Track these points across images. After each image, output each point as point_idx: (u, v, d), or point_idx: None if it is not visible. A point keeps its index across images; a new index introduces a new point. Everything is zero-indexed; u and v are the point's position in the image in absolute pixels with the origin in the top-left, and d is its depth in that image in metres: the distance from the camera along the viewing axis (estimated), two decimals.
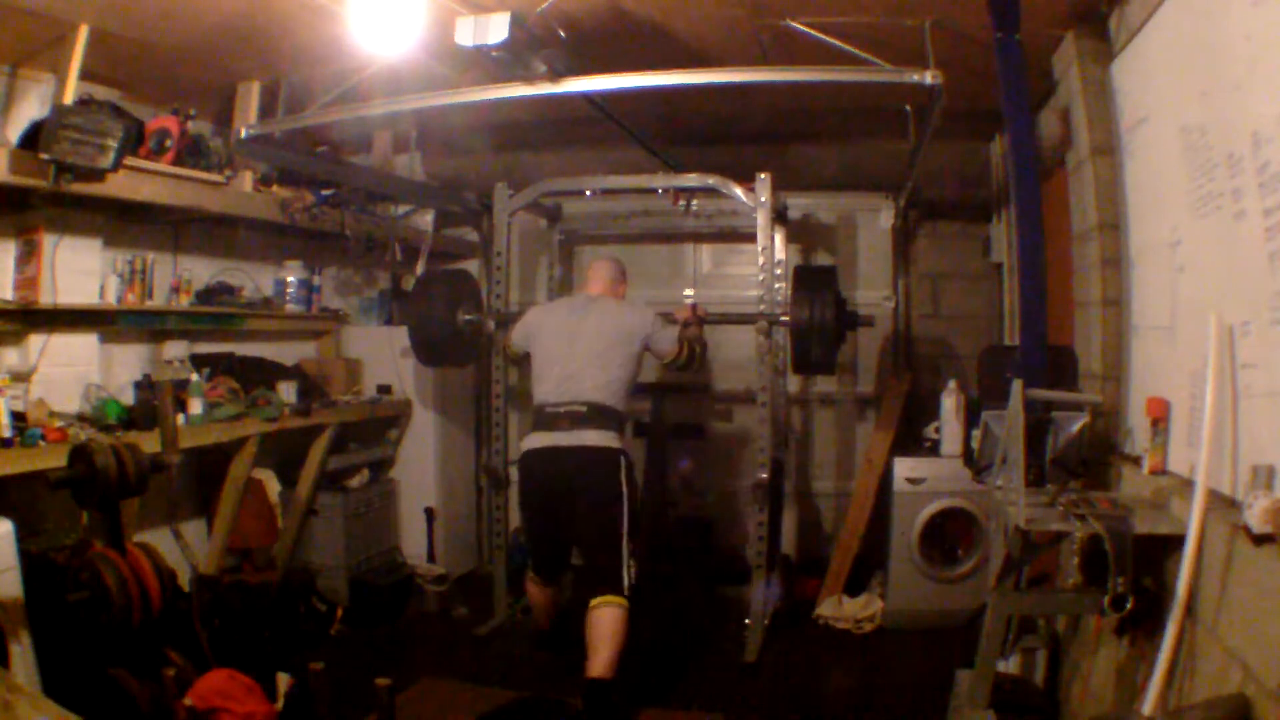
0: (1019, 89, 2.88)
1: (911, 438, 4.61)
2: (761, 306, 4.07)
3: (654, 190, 4.63)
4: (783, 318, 4.04)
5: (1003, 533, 2.37)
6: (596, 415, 3.39)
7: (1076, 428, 2.58)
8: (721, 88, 3.40)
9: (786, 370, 4.73)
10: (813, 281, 4.02)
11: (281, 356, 4.73)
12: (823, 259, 5.28)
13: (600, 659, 3.15)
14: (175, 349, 4.10)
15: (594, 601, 3.25)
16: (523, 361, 3.99)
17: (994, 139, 4.70)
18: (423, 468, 5.04)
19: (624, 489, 3.37)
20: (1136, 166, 2.85)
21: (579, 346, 3.48)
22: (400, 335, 4.83)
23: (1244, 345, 2.02)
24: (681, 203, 4.78)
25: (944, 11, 3.04)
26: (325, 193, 4.43)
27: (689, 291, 5.40)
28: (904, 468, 4.30)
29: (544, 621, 3.78)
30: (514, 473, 4.83)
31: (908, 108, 3.88)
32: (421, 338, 4.46)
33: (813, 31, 3.11)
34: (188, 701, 2.51)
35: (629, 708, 3.34)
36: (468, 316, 4.50)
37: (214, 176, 3.81)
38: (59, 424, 3.21)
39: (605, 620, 3.20)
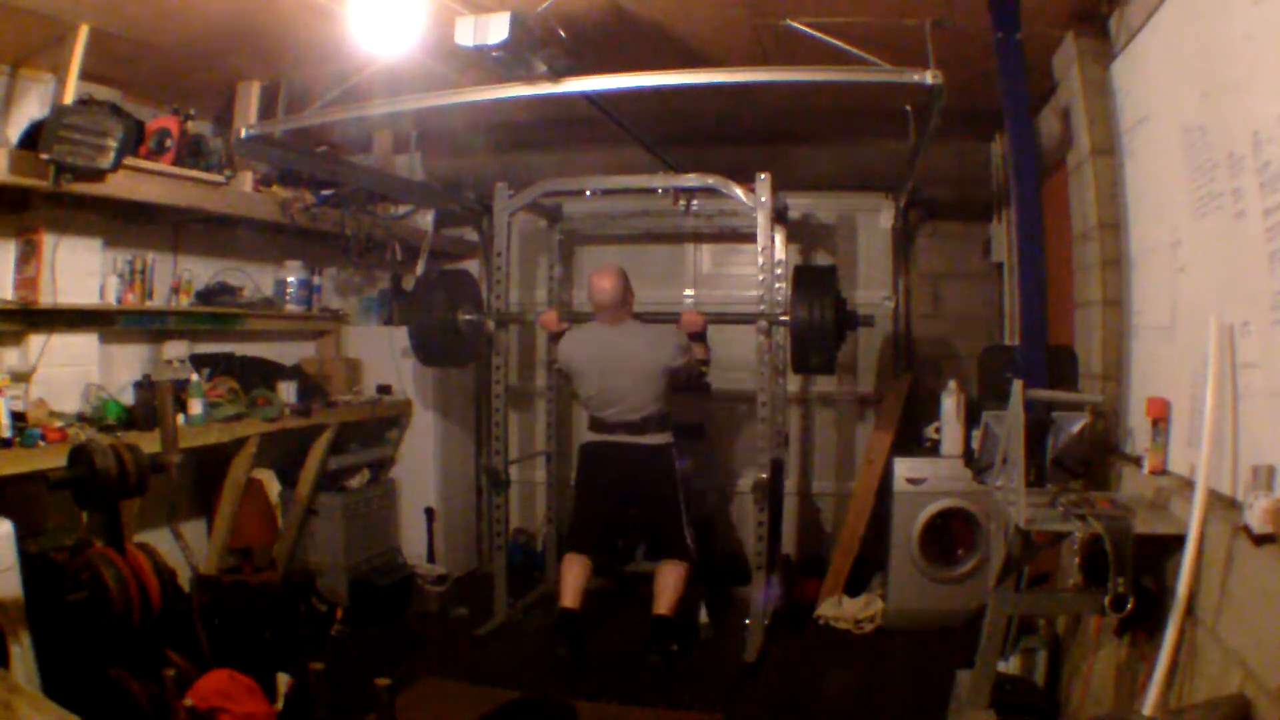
0: (1019, 89, 2.88)
1: (911, 438, 4.60)
2: (761, 306, 4.07)
3: (654, 190, 4.62)
4: (782, 317, 4.04)
5: (1003, 533, 2.37)
6: (648, 423, 3.94)
7: (1077, 428, 2.58)
8: (721, 88, 3.39)
9: (786, 370, 4.73)
10: (812, 281, 4.02)
11: (281, 356, 4.73)
12: (823, 259, 5.27)
13: (664, 600, 3.86)
14: (175, 349, 4.09)
15: (663, 561, 3.96)
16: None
17: (994, 139, 4.69)
18: (423, 468, 5.04)
19: (678, 476, 4.00)
20: (1137, 166, 2.85)
21: (620, 380, 3.92)
22: (400, 335, 4.83)
23: (1244, 345, 2.02)
24: (681, 203, 4.78)
25: (944, 11, 3.04)
26: (325, 193, 4.43)
27: (689, 292, 5.41)
28: (904, 468, 4.30)
29: (574, 599, 3.88)
30: (515, 472, 4.87)
31: (908, 108, 3.87)
32: (421, 338, 4.47)
33: (813, 31, 3.10)
34: (188, 701, 2.51)
35: (671, 654, 3.87)
36: (468, 316, 4.50)
37: (214, 176, 3.81)
38: (59, 424, 3.21)
39: (671, 573, 3.91)
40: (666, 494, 3.96)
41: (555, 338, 4.24)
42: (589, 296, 4.14)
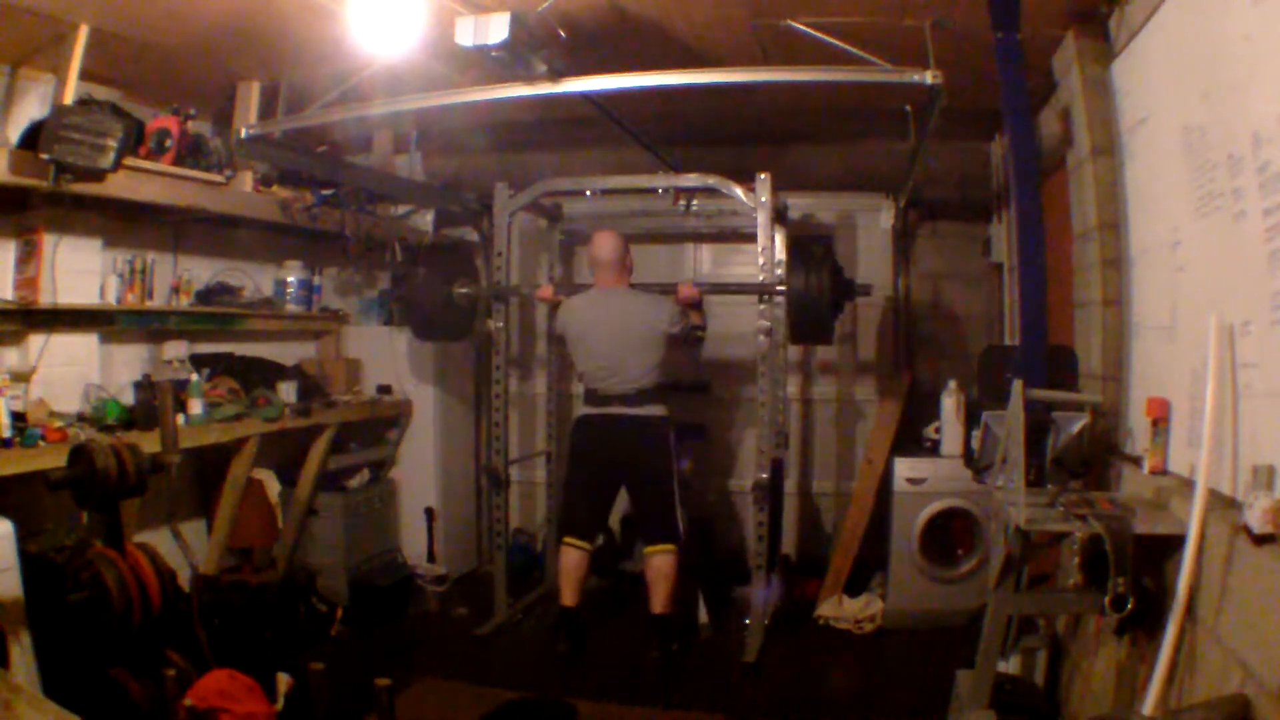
0: (1019, 89, 2.88)
1: (911, 438, 4.60)
2: (762, 306, 4.06)
3: (654, 190, 4.62)
4: (779, 288, 3.99)
5: (1003, 533, 2.37)
6: (644, 394, 3.88)
7: (1077, 428, 2.57)
8: (721, 88, 3.40)
9: (787, 370, 4.72)
10: (809, 252, 3.96)
11: (281, 356, 4.73)
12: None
13: (659, 597, 3.83)
14: (175, 349, 4.09)
15: (650, 549, 3.87)
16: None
17: (994, 139, 4.69)
18: (423, 468, 5.04)
19: (672, 449, 3.91)
20: (1137, 167, 2.85)
21: (615, 345, 3.88)
22: (401, 336, 4.82)
23: (1244, 345, 2.02)
24: (682, 203, 4.78)
25: (944, 11, 3.04)
26: (325, 193, 4.43)
27: None
28: (904, 468, 4.30)
29: (573, 596, 3.88)
30: (515, 472, 4.87)
31: (908, 108, 3.88)
32: (416, 311, 4.46)
33: (813, 31, 3.10)
34: (188, 701, 2.51)
35: (673, 653, 3.86)
36: (463, 290, 4.49)
37: (214, 176, 3.81)
38: (59, 424, 3.21)
39: (661, 564, 3.83)
40: (659, 468, 3.89)
41: (554, 310, 4.22)
42: (589, 256, 4.17)
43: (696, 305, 4.11)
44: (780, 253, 4.66)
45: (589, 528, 4.02)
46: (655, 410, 3.91)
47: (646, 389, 3.88)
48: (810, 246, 4.03)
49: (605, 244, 4.03)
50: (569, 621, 3.90)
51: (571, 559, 3.94)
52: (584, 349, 3.97)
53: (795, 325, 4.03)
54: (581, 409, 4.08)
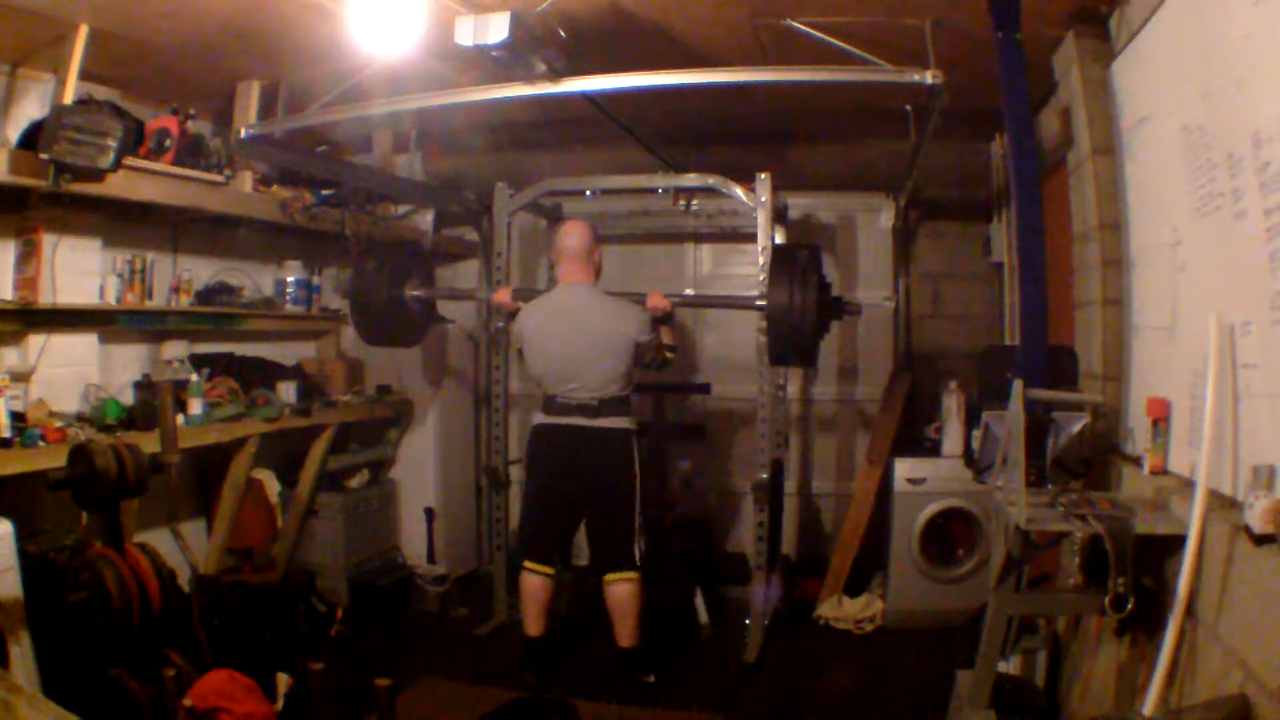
0: (1019, 89, 2.87)
1: (911, 438, 4.60)
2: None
3: (654, 190, 4.63)
4: (758, 302, 3.72)
5: (1003, 533, 2.37)
6: (606, 405, 3.61)
7: (1077, 428, 2.57)
8: (721, 88, 3.39)
9: (787, 371, 4.72)
10: (792, 262, 3.55)
11: (281, 356, 4.73)
12: (823, 259, 5.27)
13: (624, 630, 3.63)
14: (175, 349, 4.10)
15: (609, 577, 3.62)
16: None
17: (994, 139, 4.69)
18: (423, 468, 5.04)
19: (635, 466, 3.63)
20: (1137, 166, 2.85)
21: (577, 348, 3.62)
22: None
23: (1244, 345, 2.02)
24: (682, 203, 4.78)
25: (944, 11, 3.04)
26: (325, 193, 4.43)
27: (689, 291, 5.40)
28: (904, 468, 4.30)
29: (537, 625, 3.67)
30: (515, 473, 4.86)
31: (908, 108, 3.87)
32: (362, 312, 4.24)
33: (813, 31, 3.10)
34: (188, 702, 2.51)
35: (653, 670, 3.69)
36: (415, 293, 4.26)
37: (214, 176, 3.81)
38: (59, 424, 3.21)
39: (622, 595, 3.60)
40: (620, 488, 3.59)
41: (512, 318, 3.88)
42: (554, 246, 3.88)
43: (668, 320, 3.78)
44: None
45: (549, 550, 3.72)
46: (619, 423, 3.61)
47: (609, 399, 3.59)
48: (794, 256, 3.60)
49: (572, 232, 3.74)
50: (534, 653, 3.67)
51: (532, 585, 3.64)
52: (542, 350, 3.66)
53: (775, 345, 3.63)
54: (539, 416, 3.75)
